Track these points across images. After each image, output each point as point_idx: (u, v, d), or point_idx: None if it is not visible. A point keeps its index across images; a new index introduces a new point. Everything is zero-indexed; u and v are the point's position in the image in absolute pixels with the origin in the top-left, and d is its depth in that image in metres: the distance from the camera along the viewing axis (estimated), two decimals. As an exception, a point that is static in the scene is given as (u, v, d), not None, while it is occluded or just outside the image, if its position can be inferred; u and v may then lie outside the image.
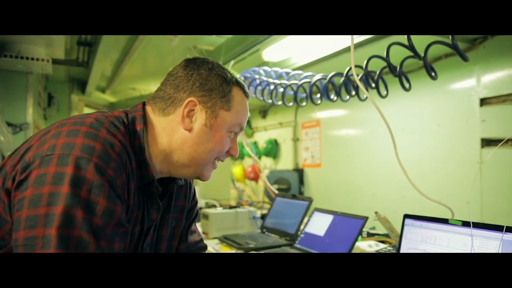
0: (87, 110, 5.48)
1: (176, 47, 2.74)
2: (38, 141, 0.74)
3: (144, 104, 0.92)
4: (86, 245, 0.67)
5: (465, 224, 1.10)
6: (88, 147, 0.71)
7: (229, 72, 0.92)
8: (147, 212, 0.90)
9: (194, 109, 0.87)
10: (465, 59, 1.31)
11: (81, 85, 4.67)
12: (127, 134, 0.82)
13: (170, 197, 1.01)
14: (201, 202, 2.86)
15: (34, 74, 3.02)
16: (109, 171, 0.72)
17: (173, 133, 0.88)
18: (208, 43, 2.93)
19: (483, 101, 2.29)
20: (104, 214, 0.70)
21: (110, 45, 2.93)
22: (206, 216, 2.13)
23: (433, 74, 1.49)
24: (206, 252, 1.22)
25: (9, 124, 2.62)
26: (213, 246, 1.87)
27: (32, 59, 2.60)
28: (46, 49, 2.73)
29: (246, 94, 0.95)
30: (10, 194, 0.71)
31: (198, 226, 2.27)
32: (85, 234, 0.67)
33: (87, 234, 0.67)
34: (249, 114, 0.97)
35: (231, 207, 2.27)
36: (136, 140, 0.85)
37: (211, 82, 0.88)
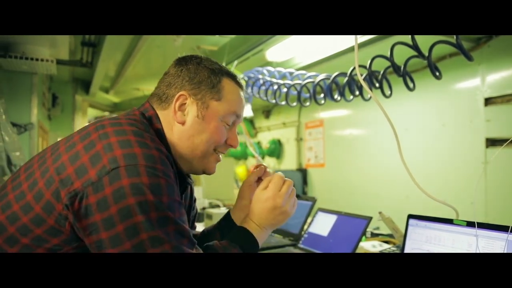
0: (91, 111, 5.51)
1: (180, 47, 2.75)
2: (86, 155, 0.73)
3: (149, 102, 0.95)
4: (183, 234, 0.75)
5: (470, 224, 1.10)
6: (148, 155, 0.74)
7: (218, 64, 0.95)
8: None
9: (185, 103, 0.90)
10: (469, 58, 1.30)
11: (85, 85, 4.69)
12: (155, 135, 0.86)
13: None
14: (204, 202, 2.86)
15: (39, 74, 3.04)
16: (171, 174, 0.78)
17: (171, 128, 0.91)
18: (212, 43, 2.94)
19: (488, 101, 2.28)
20: (178, 207, 0.77)
21: (114, 46, 2.94)
22: (209, 216, 2.13)
23: (437, 73, 1.48)
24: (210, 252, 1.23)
25: (14, 125, 2.63)
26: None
27: (37, 59, 2.61)
28: (51, 50, 2.74)
29: (238, 84, 0.97)
30: (69, 209, 0.70)
31: (202, 226, 2.28)
32: (180, 227, 0.74)
33: (181, 226, 0.75)
34: (244, 103, 0.99)
35: (234, 207, 2.27)
36: (159, 138, 0.87)
37: (199, 75, 0.91)
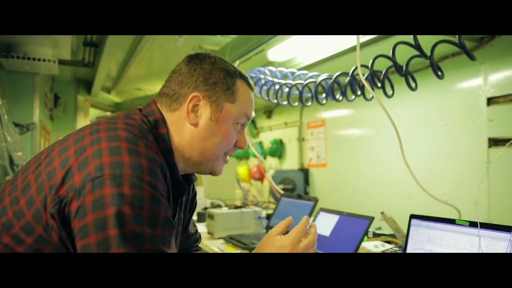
0: (93, 111, 5.52)
1: (181, 47, 2.75)
2: (75, 160, 0.72)
3: (155, 103, 0.92)
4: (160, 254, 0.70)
5: (473, 224, 1.09)
6: (136, 164, 0.71)
7: (232, 66, 0.93)
8: (177, 214, 0.94)
9: (198, 104, 0.88)
10: (472, 58, 1.30)
11: (87, 85, 4.69)
12: (155, 141, 0.83)
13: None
14: (206, 202, 2.86)
15: (41, 74, 3.05)
16: (159, 186, 0.74)
17: (180, 129, 0.89)
18: (214, 43, 2.93)
19: (490, 101, 2.27)
20: (166, 225, 0.72)
21: (115, 46, 2.95)
22: (211, 216, 2.13)
23: (439, 73, 1.48)
24: (211, 251, 1.23)
25: (16, 125, 2.64)
26: (219, 246, 1.87)
27: (39, 60, 2.62)
28: (53, 50, 2.75)
29: (250, 86, 0.95)
30: (55, 218, 0.69)
31: (203, 226, 2.28)
32: (156, 247, 0.69)
33: (158, 246, 0.69)
34: (253, 105, 0.98)
35: (236, 207, 2.27)
36: (161, 143, 0.86)
37: (215, 76, 0.89)
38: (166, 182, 0.79)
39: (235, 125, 0.92)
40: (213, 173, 0.95)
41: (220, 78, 0.89)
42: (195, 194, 1.13)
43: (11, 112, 2.61)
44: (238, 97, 0.91)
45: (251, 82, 0.96)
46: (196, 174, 1.04)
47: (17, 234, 0.71)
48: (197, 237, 1.19)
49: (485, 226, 1.06)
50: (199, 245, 1.23)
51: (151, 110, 0.89)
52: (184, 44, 2.73)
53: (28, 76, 2.97)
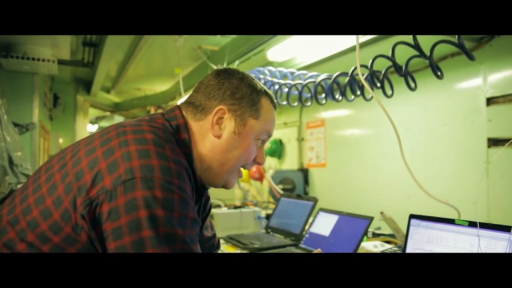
0: (92, 111, 5.51)
1: (181, 47, 2.75)
2: (104, 162, 0.73)
3: (180, 109, 0.94)
4: (191, 252, 0.73)
5: (472, 224, 1.09)
6: (165, 168, 0.74)
7: (259, 83, 0.96)
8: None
9: (223, 117, 0.90)
10: (471, 58, 1.30)
11: (87, 85, 4.69)
12: (177, 146, 0.85)
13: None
14: (206, 202, 2.86)
15: (40, 74, 3.05)
16: (187, 188, 0.77)
17: (203, 139, 0.91)
18: (213, 43, 2.93)
19: (490, 101, 2.27)
20: (193, 224, 0.76)
21: (115, 46, 2.94)
22: (211, 216, 2.13)
23: (439, 73, 1.48)
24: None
25: (15, 125, 2.63)
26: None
27: (38, 59, 2.61)
28: (52, 50, 2.75)
29: (274, 104, 0.99)
30: (85, 219, 0.71)
31: (203, 226, 2.28)
32: (187, 247, 0.72)
33: (189, 246, 0.72)
34: (275, 124, 1.00)
35: (236, 207, 2.27)
36: (182, 148, 0.87)
37: (242, 91, 0.91)
38: (191, 184, 0.81)
39: (256, 140, 0.95)
40: (226, 186, 0.97)
41: (246, 94, 0.92)
42: (208, 198, 1.14)
43: (11, 112, 2.61)
44: (262, 114, 0.94)
45: (275, 100, 0.99)
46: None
47: (44, 232, 0.73)
48: (214, 242, 1.19)
49: (485, 226, 1.06)
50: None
51: (174, 115, 0.91)
52: (184, 44, 2.73)
53: (28, 76, 2.96)
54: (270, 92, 0.98)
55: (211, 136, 0.90)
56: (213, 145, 0.90)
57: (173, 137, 0.85)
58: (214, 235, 1.20)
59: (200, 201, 1.06)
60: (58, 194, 0.74)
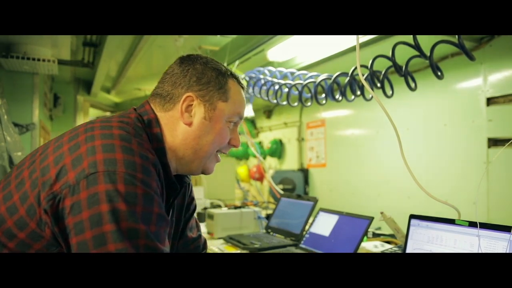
0: (92, 111, 5.51)
1: (181, 48, 2.74)
2: (69, 157, 0.73)
3: (149, 103, 0.93)
4: (155, 249, 0.70)
5: (472, 224, 1.09)
6: (130, 162, 0.72)
7: (224, 65, 0.96)
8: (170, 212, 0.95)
9: (192, 104, 0.90)
10: (471, 58, 1.30)
11: (87, 85, 4.69)
12: (148, 140, 0.84)
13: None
14: (206, 202, 2.86)
15: (40, 75, 3.04)
16: (153, 183, 0.75)
17: (174, 129, 0.90)
18: (213, 44, 2.93)
19: (490, 101, 2.27)
20: (159, 221, 0.74)
21: (115, 46, 2.94)
22: (211, 216, 2.13)
23: (439, 73, 1.48)
24: (210, 251, 1.23)
25: (15, 125, 2.64)
26: (218, 246, 1.87)
27: (38, 60, 2.61)
28: (52, 50, 2.75)
29: (241, 85, 0.98)
30: (48, 214, 0.70)
31: (203, 226, 2.28)
32: (151, 243, 0.70)
33: (153, 242, 0.70)
34: (245, 104, 0.99)
35: (236, 207, 2.27)
36: (155, 143, 0.87)
37: (207, 76, 0.91)
38: (160, 180, 0.80)
39: (228, 123, 0.94)
40: (204, 171, 0.96)
41: (212, 78, 0.91)
42: (192, 198, 1.13)
43: (11, 112, 2.61)
44: (231, 96, 0.93)
45: (241, 81, 0.99)
46: (194, 177, 1.05)
47: (10, 229, 0.73)
48: (200, 243, 1.17)
49: (485, 226, 1.06)
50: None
51: (145, 110, 0.91)
52: (184, 44, 2.72)
53: (28, 76, 2.96)
54: (235, 73, 0.97)
55: (182, 124, 0.90)
56: (185, 133, 0.90)
57: (144, 132, 0.84)
58: (200, 236, 1.17)
59: (182, 201, 1.05)
60: (24, 189, 0.74)
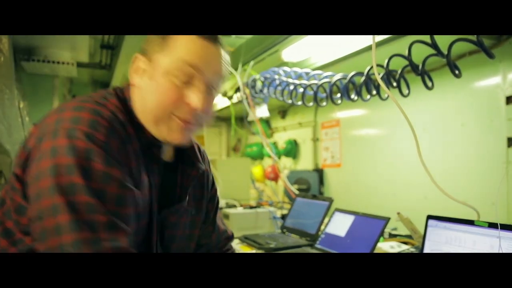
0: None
1: (196, 49, 2.76)
2: (37, 127, 0.79)
3: None
4: (94, 208, 0.68)
5: (492, 225, 1.08)
6: (75, 118, 0.74)
7: None
8: (152, 177, 0.88)
9: (139, 65, 0.87)
10: (490, 56, 1.28)
11: (104, 87, 4.75)
12: (118, 103, 0.84)
13: (184, 178, 0.98)
14: (221, 202, 2.88)
15: (60, 77, 3.12)
16: (99, 136, 0.73)
17: (134, 95, 0.88)
18: (228, 44, 2.93)
19: (509, 99, 2.22)
20: (102, 178, 0.71)
21: (131, 48, 2.99)
22: (226, 216, 2.15)
23: (457, 72, 1.46)
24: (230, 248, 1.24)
25: (36, 126, 2.70)
26: (234, 246, 1.88)
27: (58, 62, 2.68)
28: (71, 53, 2.81)
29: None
30: (21, 180, 0.76)
31: (219, 225, 2.29)
32: (89, 198, 0.68)
33: (91, 198, 0.69)
34: (210, 56, 0.85)
35: (251, 207, 2.29)
36: (127, 105, 0.87)
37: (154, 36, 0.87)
38: (120, 136, 0.78)
39: (173, 77, 0.80)
40: (168, 140, 0.85)
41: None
42: (215, 190, 1.12)
43: (31, 114, 2.68)
44: (169, 44, 0.81)
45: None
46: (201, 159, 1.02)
47: (9, 211, 0.79)
48: (229, 234, 1.20)
49: (506, 227, 1.04)
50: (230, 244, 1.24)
51: (128, 86, 0.92)
52: (199, 46, 2.74)
53: (48, 79, 3.04)
54: None
55: (136, 89, 0.87)
56: (136, 96, 0.87)
57: (113, 97, 0.85)
58: (225, 227, 1.20)
59: (200, 191, 1.04)
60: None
